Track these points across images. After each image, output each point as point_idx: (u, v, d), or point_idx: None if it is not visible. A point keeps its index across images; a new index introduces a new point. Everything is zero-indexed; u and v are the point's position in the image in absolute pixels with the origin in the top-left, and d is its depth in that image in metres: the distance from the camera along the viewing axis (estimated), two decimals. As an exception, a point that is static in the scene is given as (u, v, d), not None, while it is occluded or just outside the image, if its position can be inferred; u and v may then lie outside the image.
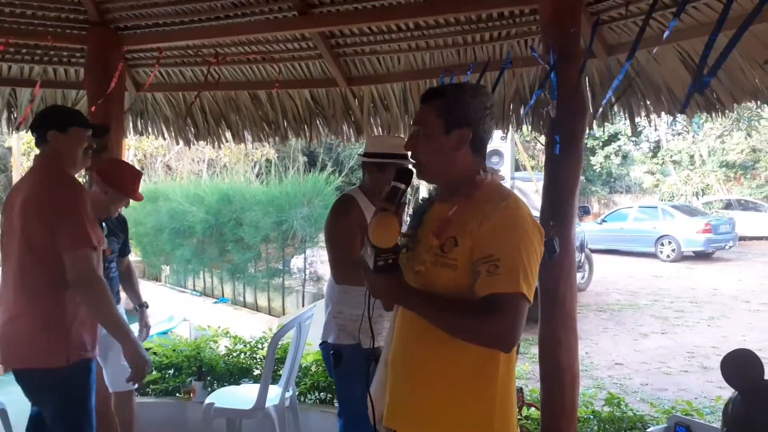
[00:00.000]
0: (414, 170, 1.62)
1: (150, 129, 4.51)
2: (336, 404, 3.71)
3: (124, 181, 3.02)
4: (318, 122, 4.12)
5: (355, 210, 2.64)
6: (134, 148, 15.89)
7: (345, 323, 2.64)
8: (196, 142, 4.58)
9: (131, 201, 3.17)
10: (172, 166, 17.30)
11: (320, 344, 2.85)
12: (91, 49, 3.65)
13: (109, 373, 3.27)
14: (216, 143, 4.45)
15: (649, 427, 2.73)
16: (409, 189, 1.61)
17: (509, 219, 1.47)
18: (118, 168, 3.10)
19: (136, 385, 3.33)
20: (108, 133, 3.03)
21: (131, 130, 4.49)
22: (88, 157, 2.53)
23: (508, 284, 1.40)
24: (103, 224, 3.08)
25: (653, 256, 15.22)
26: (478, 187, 1.56)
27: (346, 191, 2.89)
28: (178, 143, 4.64)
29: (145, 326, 3.35)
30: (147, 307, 3.37)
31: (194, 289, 8.08)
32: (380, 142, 2.92)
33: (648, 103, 3.24)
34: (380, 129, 3.99)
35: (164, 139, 4.68)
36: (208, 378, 3.87)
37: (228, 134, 4.37)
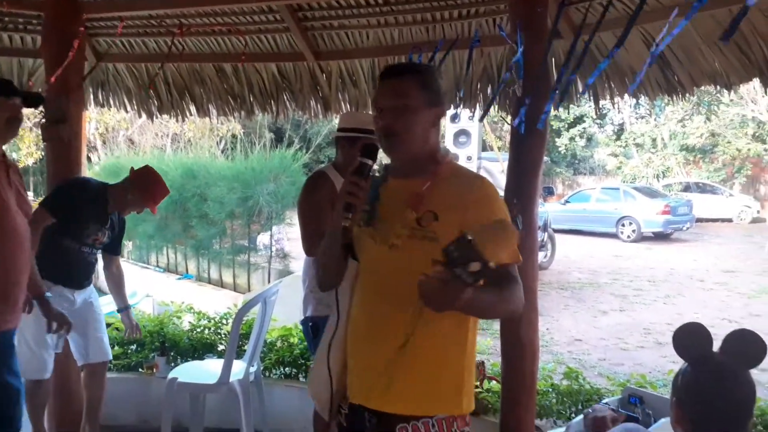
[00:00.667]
0: (379, 146, 1.62)
1: (111, 101, 4.38)
2: (301, 379, 3.76)
3: (150, 192, 3.21)
4: (285, 97, 4.06)
5: (327, 185, 2.70)
6: (96, 121, 15.47)
7: (321, 296, 2.71)
8: (159, 116, 4.46)
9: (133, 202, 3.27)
10: (135, 140, 16.90)
11: (301, 321, 2.91)
12: (49, 16, 3.50)
13: (84, 346, 3.30)
14: (180, 117, 4.35)
15: (604, 399, 2.83)
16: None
17: (492, 195, 1.58)
18: (150, 178, 3.25)
19: (110, 358, 3.35)
20: (43, 102, 2.95)
21: (92, 101, 4.36)
22: (15, 127, 2.50)
23: (510, 256, 1.52)
24: (110, 218, 3.22)
25: (614, 236, 15.60)
26: (440, 165, 1.61)
27: (319, 168, 2.94)
28: (140, 116, 4.53)
29: (133, 327, 3.48)
30: (130, 308, 3.49)
31: (157, 265, 7.97)
32: (352, 118, 3.01)
33: (612, 85, 3.30)
34: (348, 105, 3.96)
35: (126, 111, 4.56)
36: (172, 353, 3.85)
37: (192, 108, 4.27)
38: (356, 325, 1.64)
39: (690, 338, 1.43)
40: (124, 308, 3.48)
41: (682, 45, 2.89)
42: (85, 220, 3.13)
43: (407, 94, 1.56)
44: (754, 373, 1.37)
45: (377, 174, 1.69)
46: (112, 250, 3.40)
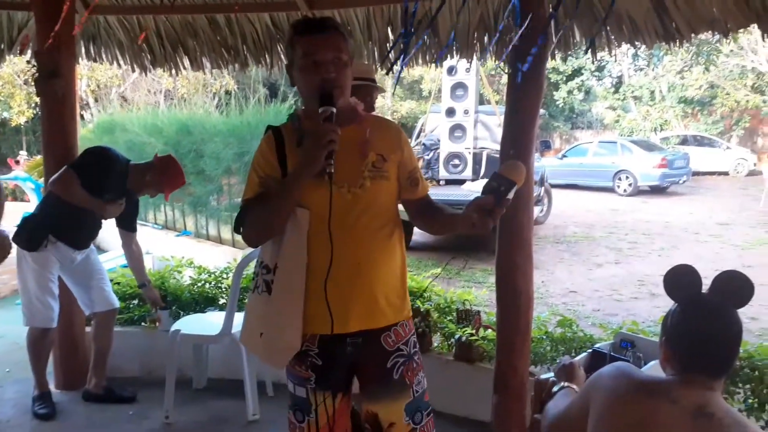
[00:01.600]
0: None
1: (103, 55, 4.32)
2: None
3: (167, 177, 3.36)
4: (279, 48, 4.01)
5: None
6: (87, 78, 15.25)
7: None
8: (152, 69, 4.41)
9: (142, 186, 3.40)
10: (127, 97, 16.69)
11: None
12: (37, -33, 3.43)
13: (88, 296, 3.44)
14: (173, 70, 4.30)
15: (596, 344, 2.89)
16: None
17: (407, 140, 1.88)
18: (171, 165, 3.38)
19: (116, 306, 3.46)
20: None
21: (83, 55, 4.29)
22: None
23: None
24: (127, 193, 3.37)
25: (611, 190, 15.63)
26: (358, 112, 1.83)
27: None
28: (134, 70, 4.47)
29: (156, 299, 3.65)
30: (150, 283, 3.64)
31: (156, 223, 7.98)
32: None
33: (609, 33, 3.25)
34: (343, 57, 3.91)
35: (119, 66, 4.50)
36: (173, 308, 3.91)
37: (186, 61, 4.22)
38: (321, 266, 1.71)
39: (680, 279, 1.46)
40: (144, 284, 3.60)
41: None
42: (105, 188, 3.23)
43: (341, 48, 1.71)
44: (745, 321, 1.41)
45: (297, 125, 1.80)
46: (128, 226, 3.50)
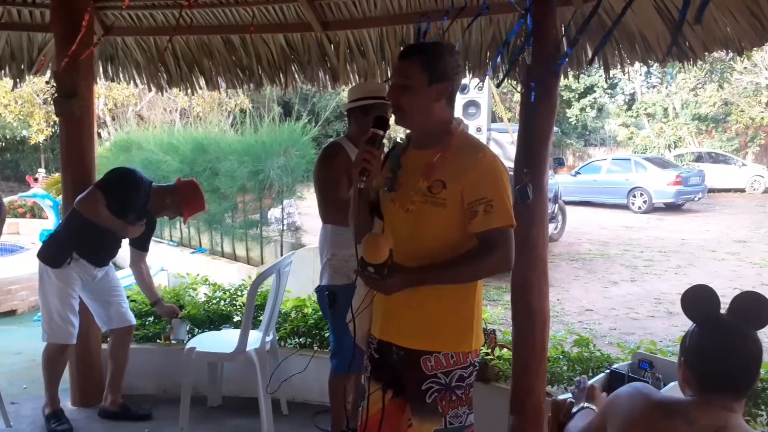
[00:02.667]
0: (389, 118, 1.86)
1: (121, 75, 4.40)
2: (315, 348, 3.82)
3: (188, 202, 3.40)
4: (293, 68, 4.06)
5: (342, 155, 2.78)
6: (104, 96, 15.48)
7: (339, 265, 2.79)
8: (168, 89, 4.48)
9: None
10: (144, 115, 16.91)
11: (316, 289, 2.97)
12: (57, -11, 3.51)
13: (105, 313, 3.47)
14: (189, 90, 4.36)
15: (615, 365, 2.86)
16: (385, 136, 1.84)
17: (492, 166, 1.78)
18: (192, 190, 3.43)
19: (133, 323, 3.50)
20: None
21: (101, 75, 4.37)
22: None
23: (504, 219, 1.75)
24: (148, 214, 3.42)
25: (625, 207, 15.53)
26: (452, 135, 1.82)
27: (334, 139, 3.03)
28: (150, 90, 4.54)
29: (171, 311, 3.64)
30: (162, 300, 3.66)
31: (171, 240, 8.03)
32: (362, 88, 3.05)
33: (622, 51, 3.26)
34: (357, 76, 3.95)
35: (136, 85, 4.57)
36: (188, 326, 3.91)
37: (201, 80, 4.28)
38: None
39: (698, 300, 1.45)
40: (156, 301, 3.62)
41: (694, 11, 2.84)
42: (128, 209, 3.28)
43: (409, 74, 1.79)
44: (763, 338, 1.39)
45: (401, 143, 1.94)
46: (141, 245, 3.54)
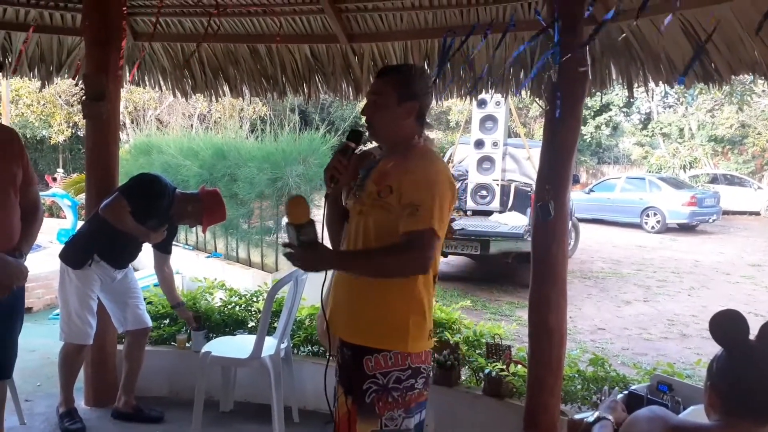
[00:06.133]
0: (364, 132, 2.00)
1: (147, 80, 4.46)
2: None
3: (209, 210, 3.46)
4: (317, 79, 4.10)
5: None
6: (125, 100, 15.66)
7: None
8: (193, 95, 4.54)
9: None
10: (163, 119, 17.08)
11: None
12: (90, -6, 3.58)
13: (122, 314, 3.51)
14: (213, 96, 4.42)
15: (631, 386, 2.84)
16: (359, 147, 1.99)
17: (433, 174, 1.86)
18: (215, 199, 3.49)
19: (149, 325, 3.52)
20: None
21: (128, 80, 4.43)
22: None
23: (424, 223, 1.79)
24: (170, 219, 3.46)
25: (638, 227, 15.43)
26: (413, 149, 1.94)
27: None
28: (175, 95, 4.60)
29: (191, 318, 3.74)
30: (183, 304, 3.74)
31: (187, 243, 8.07)
32: None
33: (646, 71, 3.26)
34: (379, 88, 3.98)
35: (161, 90, 4.64)
36: (206, 331, 3.93)
37: (226, 88, 4.33)
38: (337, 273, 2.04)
39: (727, 324, 1.45)
40: (177, 305, 3.69)
41: (722, 33, 2.85)
42: (151, 213, 3.32)
43: (380, 91, 1.94)
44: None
45: (379, 155, 2.06)
46: (164, 248, 3.58)
